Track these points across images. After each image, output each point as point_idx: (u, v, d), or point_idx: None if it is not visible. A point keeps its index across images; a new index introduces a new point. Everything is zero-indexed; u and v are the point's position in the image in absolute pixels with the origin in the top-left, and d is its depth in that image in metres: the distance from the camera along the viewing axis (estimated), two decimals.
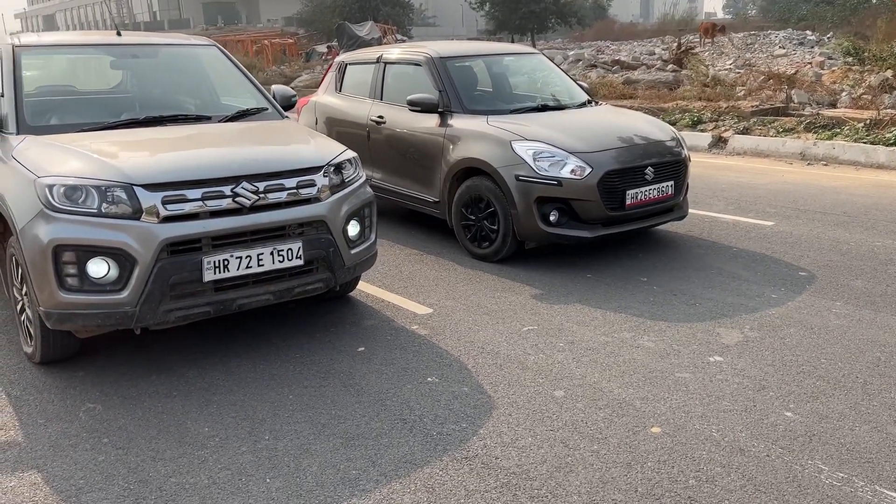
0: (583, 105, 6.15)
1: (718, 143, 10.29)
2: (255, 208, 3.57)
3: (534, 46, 39.58)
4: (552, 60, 7.05)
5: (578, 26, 47.25)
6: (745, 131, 10.37)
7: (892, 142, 8.69)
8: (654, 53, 23.01)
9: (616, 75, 16.35)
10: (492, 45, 8.56)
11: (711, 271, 5.05)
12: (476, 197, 5.36)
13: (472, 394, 3.37)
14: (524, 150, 5.10)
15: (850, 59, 15.88)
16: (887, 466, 2.72)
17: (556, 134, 5.23)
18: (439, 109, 5.65)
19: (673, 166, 5.39)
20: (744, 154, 9.84)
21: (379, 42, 29.28)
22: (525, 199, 5.05)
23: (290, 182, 3.71)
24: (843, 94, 12.26)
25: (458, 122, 5.56)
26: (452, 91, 5.72)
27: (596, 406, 3.23)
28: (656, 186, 5.24)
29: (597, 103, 6.34)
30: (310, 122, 7.00)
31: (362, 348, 3.91)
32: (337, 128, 6.70)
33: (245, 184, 3.56)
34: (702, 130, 10.86)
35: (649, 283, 4.84)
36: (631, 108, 12.63)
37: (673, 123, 11.33)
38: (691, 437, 2.95)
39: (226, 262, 3.47)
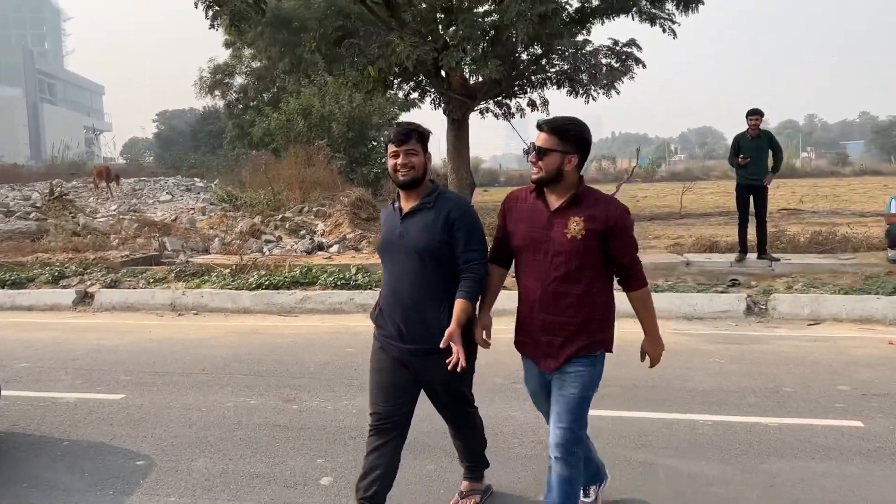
0: None
1: (84, 299, 9.15)
2: None
3: None
4: None
5: None
6: (114, 284, 9.51)
7: (254, 286, 8.97)
8: (31, 199, 20.70)
9: None
10: None
11: (21, 487, 3.82)
12: None
13: None
14: None
15: (226, 205, 16.92)
16: None
17: None
18: None
19: None
20: (112, 309, 8.91)
21: None
22: None
23: None
24: (216, 239, 12.64)
25: None
26: None
27: None
28: None
29: None
30: None
31: None
32: None
33: None
34: (65, 286, 9.57)
35: None
36: None
37: (32, 279, 9.78)
38: None
39: None
